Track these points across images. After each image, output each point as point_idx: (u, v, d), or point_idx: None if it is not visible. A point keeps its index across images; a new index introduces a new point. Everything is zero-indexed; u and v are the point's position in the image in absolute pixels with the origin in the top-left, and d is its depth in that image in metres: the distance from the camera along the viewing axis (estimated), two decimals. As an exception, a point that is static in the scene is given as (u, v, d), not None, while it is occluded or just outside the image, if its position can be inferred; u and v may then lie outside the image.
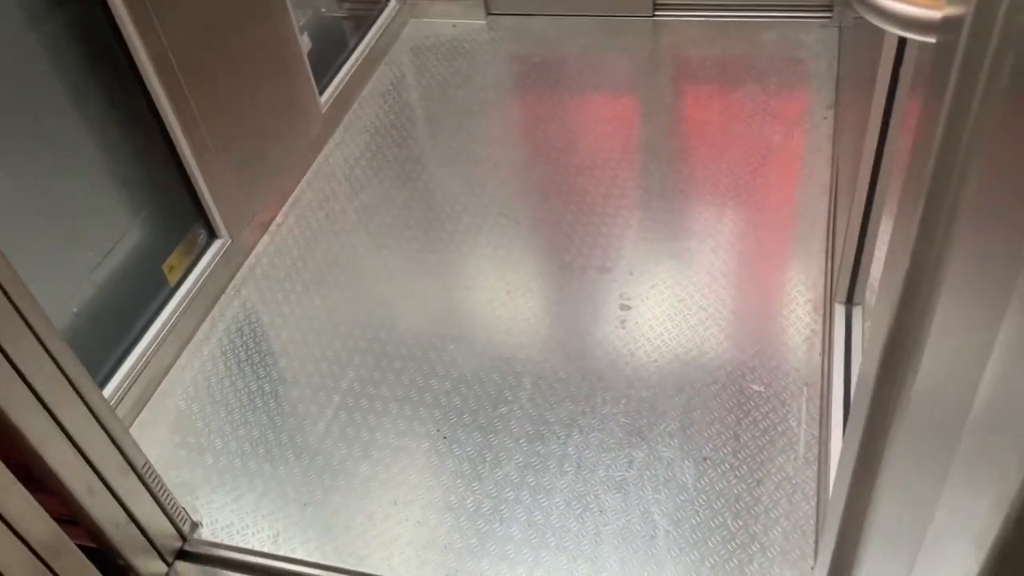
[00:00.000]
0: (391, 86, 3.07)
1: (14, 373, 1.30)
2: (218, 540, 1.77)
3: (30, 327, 1.32)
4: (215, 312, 2.27)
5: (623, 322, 2.11)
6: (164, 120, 2.06)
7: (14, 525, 1.33)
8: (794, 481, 1.73)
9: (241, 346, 2.18)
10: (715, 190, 2.44)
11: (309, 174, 2.70)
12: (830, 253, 2.11)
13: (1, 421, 1.31)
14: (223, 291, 2.32)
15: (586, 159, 2.61)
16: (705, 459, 1.79)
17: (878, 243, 1.75)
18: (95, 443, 1.48)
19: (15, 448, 1.37)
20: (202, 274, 2.23)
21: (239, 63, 2.30)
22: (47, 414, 1.38)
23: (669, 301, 2.14)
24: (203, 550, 1.74)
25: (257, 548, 1.75)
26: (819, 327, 2.02)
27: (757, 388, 1.91)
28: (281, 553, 1.74)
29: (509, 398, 1.97)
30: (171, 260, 2.19)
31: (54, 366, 1.38)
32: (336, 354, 2.13)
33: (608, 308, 2.15)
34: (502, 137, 2.79)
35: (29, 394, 1.34)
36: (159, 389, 2.09)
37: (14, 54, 1.72)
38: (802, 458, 1.77)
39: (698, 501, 1.73)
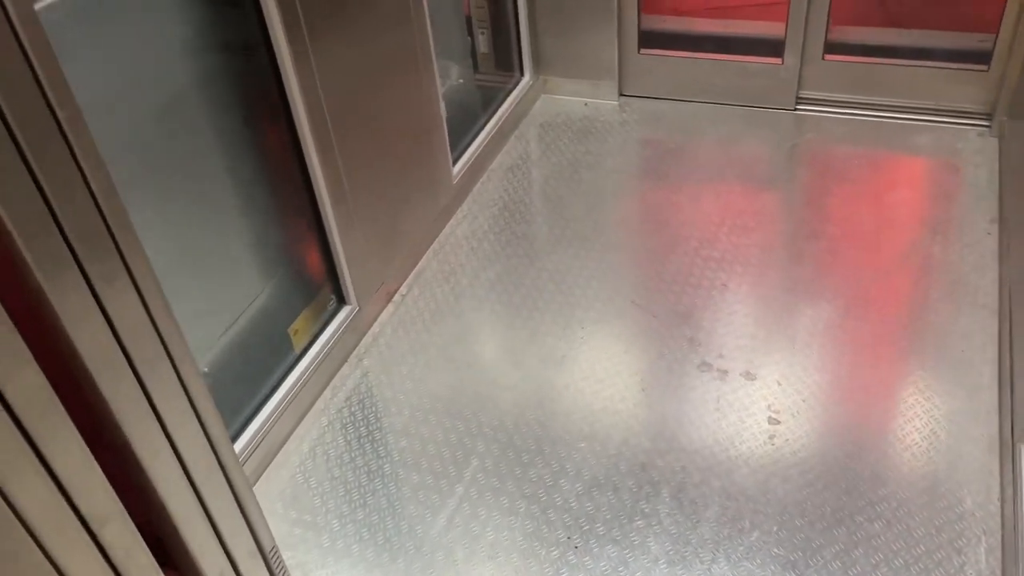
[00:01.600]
0: (520, 161, 3.02)
1: (169, 447, 1.23)
2: (331, 635, 1.66)
3: (190, 399, 1.25)
4: (336, 381, 2.20)
5: (771, 437, 1.95)
6: (314, 184, 2.03)
7: (144, 609, 1.24)
8: (977, 647, 1.53)
9: (362, 420, 2.09)
10: (867, 300, 2.29)
11: (435, 244, 2.64)
12: (1009, 386, 1.92)
13: (149, 496, 1.23)
14: (345, 360, 2.25)
15: (727, 253, 2.49)
16: (872, 608, 1.61)
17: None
18: (232, 524, 1.39)
19: (153, 526, 1.29)
20: (328, 341, 2.16)
21: (386, 128, 2.28)
22: (193, 491, 1.29)
23: (822, 419, 1.98)
24: (316, 645, 1.62)
25: (373, 650, 1.62)
26: (996, 468, 1.83)
27: (927, 531, 1.72)
28: (397, 658, 1.61)
29: (646, 510, 1.82)
30: (297, 324, 2.13)
31: (206, 442, 1.30)
32: (460, 439, 2.02)
33: (755, 420, 1.99)
34: (635, 223, 2.70)
35: (179, 468, 1.26)
36: (275, 459, 2.00)
37: (185, 115, 1.70)
38: (986, 620, 1.57)
39: (865, 657, 1.54)
